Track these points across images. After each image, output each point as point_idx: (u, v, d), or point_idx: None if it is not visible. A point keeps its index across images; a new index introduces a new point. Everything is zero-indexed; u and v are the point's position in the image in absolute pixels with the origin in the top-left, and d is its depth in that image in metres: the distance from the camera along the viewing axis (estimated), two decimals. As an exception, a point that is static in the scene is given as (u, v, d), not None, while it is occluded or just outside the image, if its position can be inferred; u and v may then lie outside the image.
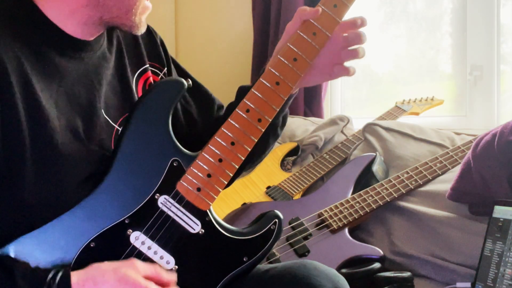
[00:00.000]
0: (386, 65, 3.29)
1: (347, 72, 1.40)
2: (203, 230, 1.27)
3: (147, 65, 1.49)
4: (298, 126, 2.81)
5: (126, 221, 1.22)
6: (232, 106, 1.57)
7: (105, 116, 1.32)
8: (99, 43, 1.36)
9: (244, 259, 1.30)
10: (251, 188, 2.39)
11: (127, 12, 1.29)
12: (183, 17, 3.84)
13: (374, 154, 2.19)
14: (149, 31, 1.54)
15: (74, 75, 1.28)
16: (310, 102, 3.12)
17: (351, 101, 3.36)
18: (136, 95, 1.42)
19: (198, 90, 1.59)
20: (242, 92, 1.48)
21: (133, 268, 1.17)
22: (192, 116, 1.56)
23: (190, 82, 1.31)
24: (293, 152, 2.64)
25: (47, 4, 1.26)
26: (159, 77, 1.52)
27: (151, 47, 1.52)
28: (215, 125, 1.48)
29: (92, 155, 1.26)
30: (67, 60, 1.28)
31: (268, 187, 2.39)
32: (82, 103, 1.28)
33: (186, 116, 1.54)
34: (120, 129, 1.32)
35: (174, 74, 1.57)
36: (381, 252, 1.87)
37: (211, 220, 1.28)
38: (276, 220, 1.33)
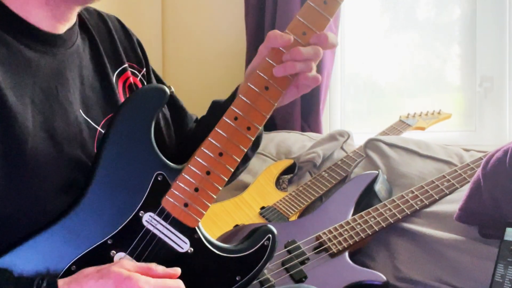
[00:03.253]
0: (390, 75, 3.30)
1: (316, 80, 1.35)
2: (192, 249, 1.28)
3: (126, 65, 1.51)
4: (295, 142, 2.82)
5: (109, 242, 1.23)
6: (203, 120, 1.61)
7: (85, 117, 1.33)
8: (71, 39, 1.38)
9: (237, 278, 1.31)
10: (244, 209, 2.39)
11: None
12: (170, 24, 3.85)
13: (377, 172, 2.19)
14: (126, 31, 1.58)
15: (48, 71, 1.30)
16: (307, 116, 3.13)
17: (352, 114, 3.37)
18: (118, 95, 1.44)
19: (173, 101, 1.63)
20: (217, 106, 1.51)
21: (118, 264, 1.18)
22: (169, 128, 1.59)
23: (173, 89, 1.33)
24: (289, 170, 2.65)
25: None
26: (138, 78, 1.55)
27: (128, 47, 1.56)
28: (186, 137, 1.54)
29: (72, 160, 1.27)
30: (39, 55, 1.29)
31: (262, 208, 2.39)
32: (61, 101, 1.29)
33: (166, 126, 1.57)
34: (103, 131, 1.33)
35: (154, 81, 1.60)
36: (384, 278, 1.87)
37: (200, 237, 1.29)
38: (270, 235, 1.34)
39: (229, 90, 1.57)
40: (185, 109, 1.66)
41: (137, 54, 1.57)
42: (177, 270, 1.24)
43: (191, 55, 3.75)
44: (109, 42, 1.50)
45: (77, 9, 1.38)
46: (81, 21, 1.46)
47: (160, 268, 1.22)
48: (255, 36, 3.30)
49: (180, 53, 3.79)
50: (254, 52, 3.24)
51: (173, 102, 1.63)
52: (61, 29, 1.35)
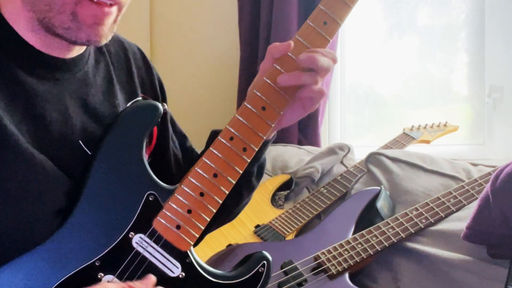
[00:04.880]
0: (392, 85, 3.31)
1: (321, 93, 1.35)
2: (183, 274, 1.29)
3: (140, 98, 1.51)
4: (292, 156, 2.83)
5: (97, 264, 1.24)
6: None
7: (84, 147, 1.33)
8: (79, 64, 1.38)
9: None
10: (238, 227, 2.39)
11: (51, 8, 1.25)
12: (159, 32, 3.86)
13: (379, 188, 2.21)
14: (146, 62, 1.59)
15: (45, 98, 1.30)
16: (305, 129, 3.14)
17: (352, 127, 3.39)
18: None
19: (183, 144, 1.65)
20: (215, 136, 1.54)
21: (100, 285, 1.20)
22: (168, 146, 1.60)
23: (166, 106, 1.34)
24: (286, 186, 2.65)
25: (6, 7, 1.29)
26: None
27: (146, 79, 1.56)
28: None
29: (65, 187, 1.27)
30: (37, 80, 1.29)
31: (257, 226, 2.40)
32: (54, 132, 1.29)
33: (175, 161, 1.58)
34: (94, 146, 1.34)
35: (168, 124, 1.61)
36: (387, 301, 1.89)
37: (192, 262, 1.30)
38: (265, 262, 1.36)
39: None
40: (193, 149, 1.67)
41: (154, 89, 1.57)
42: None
43: (181, 63, 3.75)
44: (126, 71, 1.50)
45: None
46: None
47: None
48: (249, 42, 3.31)
49: (169, 62, 3.78)
50: (247, 59, 3.27)
51: (182, 144, 1.65)
52: (68, 54, 1.35)
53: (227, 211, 1.52)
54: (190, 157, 1.65)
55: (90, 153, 1.33)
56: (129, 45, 1.57)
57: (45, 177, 1.25)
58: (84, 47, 1.40)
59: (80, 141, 1.33)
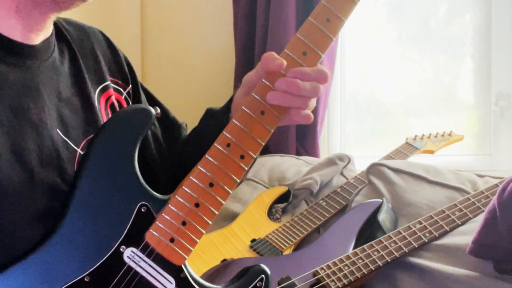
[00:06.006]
0: (395, 93, 3.32)
1: (308, 119, 1.36)
2: (177, 289, 1.29)
3: (109, 82, 1.54)
4: (289, 167, 2.83)
5: (86, 279, 1.24)
6: (196, 132, 1.65)
7: (64, 137, 1.35)
8: (47, 51, 1.40)
9: None
10: (233, 242, 2.40)
11: None
12: (150, 33, 3.87)
13: (381, 200, 2.21)
14: (110, 44, 1.61)
15: (18, 85, 1.31)
16: (303, 138, 3.15)
17: (353, 136, 3.39)
18: (100, 115, 1.46)
19: (165, 117, 1.66)
20: (210, 116, 1.54)
21: None
22: (161, 146, 1.61)
23: (159, 110, 1.33)
24: (283, 198, 2.66)
25: None
26: (123, 96, 1.57)
27: (113, 62, 1.59)
28: (179, 152, 1.58)
29: (46, 185, 1.29)
30: (8, 68, 1.31)
31: (253, 240, 2.40)
32: (33, 120, 1.30)
33: (156, 144, 1.59)
34: (83, 153, 1.34)
35: (143, 99, 1.63)
36: (389, 319, 1.89)
37: (186, 276, 1.30)
38: (263, 275, 1.36)
39: (216, 104, 1.60)
40: (177, 120, 1.68)
41: (122, 70, 1.59)
42: None
43: (174, 67, 3.76)
44: (91, 56, 1.52)
45: (53, 17, 1.40)
46: (59, 32, 1.48)
47: None
48: (245, 46, 3.33)
49: (161, 66, 3.80)
50: (243, 64, 3.27)
51: (164, 117, 1.65)
52: (36, 39, 1.37)
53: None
54: (173, 129, 1.66)
55: (68, 141, 1.34)
56: (90, 29, 1.60)
57: (22, 178, 1.25)
58: (50, 31, 1.42)
59: (57, 130, 1.35)
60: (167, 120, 1.67)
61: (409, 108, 3.31)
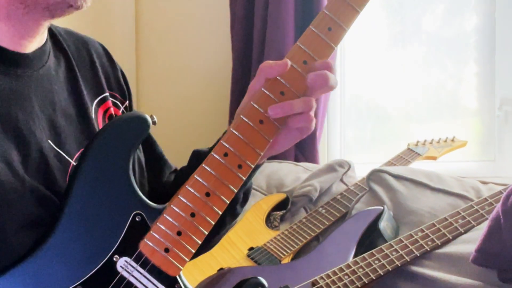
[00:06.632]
0: (396, 98, 3.32)
1: (308, 121, 1.35)
2: (172, 300, 1.29)
3: (107, 94, 1.53)
4: (288, 174, 2.83)
5: None
6: (183, 172, 1.62)
7: (56, 148, 1.35)
8: (41, 59, 1.40)
9: None
10: (230, 250, 2.39)
11: None
12: (145, 37, 3.87)
13: (381, 208, 2.21)
14: (110, 57, 1.60)
15: (7, 94, 1.30)
16: (302, 144, 3.14)
17: (353, 142, 3.39)
18: (96, 126, 1.45)
19: (151, 146, 1.65)
20: (197, 156, 1.53)
21: None
22: (143, 173, 1.60)
23: (155, 118, 1.33)
24: (282, 205, 2.66)
25: None
26: (120, 110, 1.56)
27: (112, 75, 1.58)
28: (162, 190, 1.55)
29: (36, 195, 1.28)
30: None
31: (251, 249, 2.40)
32: (20, 130, 1.30)
33: (140, 170, 1.59)
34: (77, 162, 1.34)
35: None
36: (390, 330, 1.89)
37: None
38: None
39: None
40: (164, 157, 1.67)
41: (120, 85, 1.59)
42: None
43: (170, 71, 3.76)
44: (89, 67, 1.52)
45: (46, 24, 1.39)
46: (56, 41, 1.48)
47: None
48: (242, 50, 3.33)
49: (157, 70, 3.80)
50: (240, 68, 3.27)
51: (151, 148, 1.64)
52: (28, 47, 1.37)
53: (206, 240, 1.50)
54: (158, 163, 1.65)
55: (61, 152, 1.34)
56: (89, 40, 1.59)
57: (12, 184, 1.25)
58: (45, 39, 1.41)
59: (49, 141, 1.34)
60: (154, 153, 1.66)
61: (411, 113, 3.31)
